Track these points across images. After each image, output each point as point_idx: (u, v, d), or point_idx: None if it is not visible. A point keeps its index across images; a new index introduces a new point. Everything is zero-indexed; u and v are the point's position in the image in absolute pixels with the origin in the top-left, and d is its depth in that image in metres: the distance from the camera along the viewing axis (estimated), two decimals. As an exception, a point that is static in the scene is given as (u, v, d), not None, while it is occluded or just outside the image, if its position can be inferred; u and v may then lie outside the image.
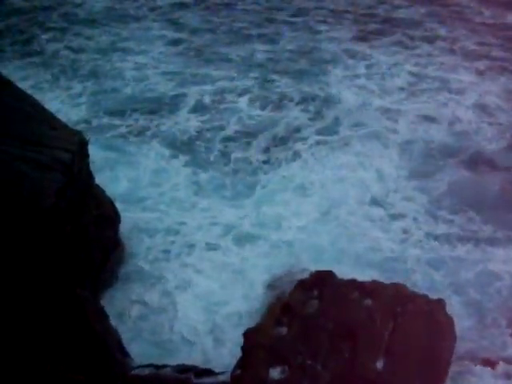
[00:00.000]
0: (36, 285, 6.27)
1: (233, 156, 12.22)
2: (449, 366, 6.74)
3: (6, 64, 15.45)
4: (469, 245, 9.72)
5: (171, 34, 18.42)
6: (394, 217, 10.39)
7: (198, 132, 13.12)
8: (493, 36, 18.08)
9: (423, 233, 10.03)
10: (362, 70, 15.87)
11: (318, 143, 12.58)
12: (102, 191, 8.69)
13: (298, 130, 13.08)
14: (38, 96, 11.53)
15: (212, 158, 12.20)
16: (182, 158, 12.12)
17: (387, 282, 7.49)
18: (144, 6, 20.67)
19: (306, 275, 7.57)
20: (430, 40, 17.84)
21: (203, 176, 11.59)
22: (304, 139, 12.70)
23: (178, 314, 8.56)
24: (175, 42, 17.80)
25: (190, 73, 15.84)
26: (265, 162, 12.02)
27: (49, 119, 7.93)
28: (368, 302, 6.98)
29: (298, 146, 12.45)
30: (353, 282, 7.34)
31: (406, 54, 16.74)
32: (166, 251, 9.62)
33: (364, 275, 7.89)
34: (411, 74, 15.57)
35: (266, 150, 12.45)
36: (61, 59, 16.44)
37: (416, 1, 21.06)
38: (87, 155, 7.85)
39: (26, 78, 14.78)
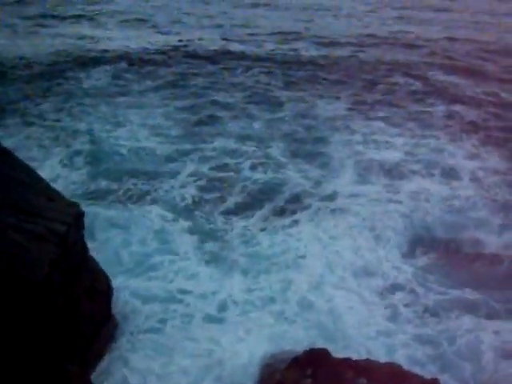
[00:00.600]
0: (24, 358, 6.17)
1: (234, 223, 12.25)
2: None
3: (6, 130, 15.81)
4: (462, 318, 9.59)
5: (172, 102, 18.98)
6: (387, 289, 10.32)
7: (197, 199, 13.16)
8: (486, 111, 18.61)
9: (415, 306, 9.93)
10: (359, 139, 16.25)
11: (316, 211, 12.69)
12: (96, 263, 8.66)
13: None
14: (36, 162, 11.73)
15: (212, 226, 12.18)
16: (185, 223, 12.08)
17: (381, 359, 7.40)
18: (146, 78, 21.30)
19: (299, 353, 7.47)
20: (425, 114, 18.32)
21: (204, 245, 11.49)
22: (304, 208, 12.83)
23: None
24: (175, 110, 18.28)
25: (189, 139, 16.13)
26: (262, 230, 11.98)
27: (45, 190, 7.99)
28: (363, 381, 6.86)
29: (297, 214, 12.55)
30: (347, 360, 7.24)
31: (403, 128, 17.14)
32: (163, 320, 9.50)
33: (356, 352, 7.79)
34: (408, 145, 15.88)
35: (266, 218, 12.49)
36: (61, 125, 16.70)
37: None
38: (83, 227, 7.86)
39: (23, 144, 15.04)
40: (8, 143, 9.35)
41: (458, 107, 19.02)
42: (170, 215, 12.29)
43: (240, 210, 12.76)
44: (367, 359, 7.26)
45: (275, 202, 13.03)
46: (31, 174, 8.27)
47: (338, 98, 19.69)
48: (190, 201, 13.00)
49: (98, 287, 8.38)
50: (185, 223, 12.03)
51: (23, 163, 8.47)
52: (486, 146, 15.97)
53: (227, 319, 9.49)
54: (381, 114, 18.20)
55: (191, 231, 11.81)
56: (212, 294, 10.04)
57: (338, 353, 7.52)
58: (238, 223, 12.18)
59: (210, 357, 8.65)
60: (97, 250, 9.63)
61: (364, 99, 19.67)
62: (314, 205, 12.90)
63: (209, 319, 9.47)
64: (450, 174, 14.36)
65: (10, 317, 6.09)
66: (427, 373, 7.42)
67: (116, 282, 9.52)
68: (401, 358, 8.11)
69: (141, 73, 22.05)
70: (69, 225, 7.20)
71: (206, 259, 10.98)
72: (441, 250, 11.46)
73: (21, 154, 9.32)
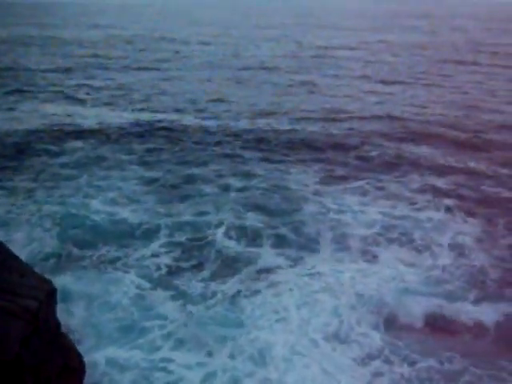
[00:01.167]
0: None
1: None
2: None
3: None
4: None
5: (146, 173, 19.37)
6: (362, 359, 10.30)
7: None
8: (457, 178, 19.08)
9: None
10: (333, 208, 16.55)
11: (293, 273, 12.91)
12: (69, 340, 8.48)
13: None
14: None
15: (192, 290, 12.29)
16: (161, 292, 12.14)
17: None
18: (121, 152, 21.55)
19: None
20: (400, 181, 18.73)
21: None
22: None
23: None
24: (149, 181, 18.61)
25: (163, 207, 16.35)
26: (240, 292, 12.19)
27: (17, 266, 7.89)
28: None
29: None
30: None
31: (375, 195, 17.52)
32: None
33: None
34: (383, 214, 16.14)
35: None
36: (34, 198, 16.76)
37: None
38: (55, 303, 7.75)
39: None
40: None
41: (432, 173, 19.62)
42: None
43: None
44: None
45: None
46: (3, 250, 8.18)
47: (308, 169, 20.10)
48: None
49: (70, 365, 8.19)
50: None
51: (-4, 239, 8.41)
52: (460, 212, 16.30)
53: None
54: (354, 185, 18.53)
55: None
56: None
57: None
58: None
59: None
60: (75, 323, 9.59)
61: (335, 170, 20.06)
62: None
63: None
64: (427, 241, 14.56)
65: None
66: None
67: (103, 353, 9.62)
68: None
69: (115, 147, 22.30)
70: (40, 301, 7.09)
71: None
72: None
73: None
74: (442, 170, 20.09)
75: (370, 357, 10.29)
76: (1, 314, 6.65)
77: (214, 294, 12.13)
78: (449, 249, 14.16)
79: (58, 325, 7.92)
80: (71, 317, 10.88)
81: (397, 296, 12.12)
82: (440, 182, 18.84)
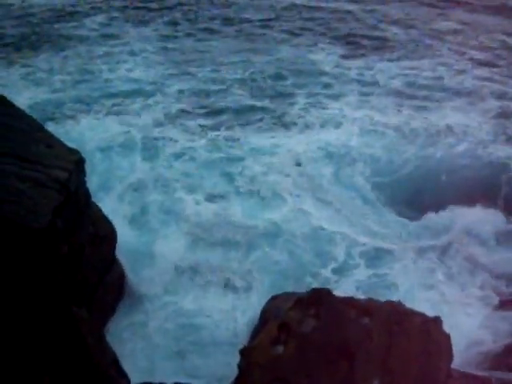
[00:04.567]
0: (31, 303, 6.26)
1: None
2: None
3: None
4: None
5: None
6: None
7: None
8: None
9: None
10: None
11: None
12: (99, 209, 8.70)
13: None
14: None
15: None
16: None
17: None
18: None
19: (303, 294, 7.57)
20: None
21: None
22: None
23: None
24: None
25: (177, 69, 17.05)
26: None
27: (45, 137, 7.93)
28: (365, 320, 6.96)
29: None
30: (350, 299, 7.33)
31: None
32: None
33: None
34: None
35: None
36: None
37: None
38: (84, 173, 7.85)
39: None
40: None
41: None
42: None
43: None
44: (369, 299, 7.35)
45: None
46: (29, 121, 8.19)
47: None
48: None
49: (101, 233, 8.44)
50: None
51: (20, 110, 8.38)
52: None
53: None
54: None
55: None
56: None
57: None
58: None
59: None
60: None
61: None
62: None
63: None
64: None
65: (15, 265, 6.14)
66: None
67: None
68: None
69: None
70: (70, 171, 7.18)
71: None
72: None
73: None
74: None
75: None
76: (31, 185, 6.75)
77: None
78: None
79: (88, 194, 8.07)
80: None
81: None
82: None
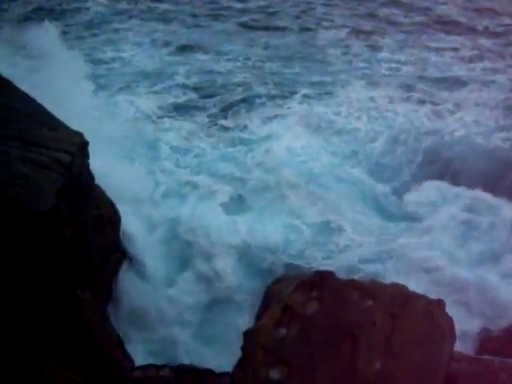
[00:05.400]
0: (35, 286, 6.29)
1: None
2: (447, 367, 6.72)
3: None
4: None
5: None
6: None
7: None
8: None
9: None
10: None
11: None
12: (103, 192, 8.69)
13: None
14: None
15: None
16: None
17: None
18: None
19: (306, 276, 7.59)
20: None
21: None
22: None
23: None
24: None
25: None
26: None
27: (48, 120, 7.92)
28: (368, 302, 6.98)
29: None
30: (352, 281, 7.36)
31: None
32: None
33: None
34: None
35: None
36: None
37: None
38: (87, 156, 7.84)
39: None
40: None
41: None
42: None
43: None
44: (372, 280, 7.37)
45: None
46: (33, 104, 8.17)
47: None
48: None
49: (104, 216, 8.44)
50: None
51: (24, 94, 8.36)
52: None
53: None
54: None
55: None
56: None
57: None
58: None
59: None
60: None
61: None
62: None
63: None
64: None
65: (19, 248, 6.16)
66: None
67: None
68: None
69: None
70: (73, 154, 7.17)
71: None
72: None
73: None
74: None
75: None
76: (35, 168, 6.74)
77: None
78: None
79: (91, 177, 8.07)
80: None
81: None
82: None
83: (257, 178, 11.15)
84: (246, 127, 13.16)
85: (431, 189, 10.95)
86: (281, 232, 9.84)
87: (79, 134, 7.77)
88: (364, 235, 9.88)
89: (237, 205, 10.65)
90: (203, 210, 10.21)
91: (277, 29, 19.26)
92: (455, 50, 17.42)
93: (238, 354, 6.83)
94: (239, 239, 9.64)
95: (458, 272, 9.00)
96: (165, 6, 21.31)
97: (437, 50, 17.46)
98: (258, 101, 14.36)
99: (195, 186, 10.92)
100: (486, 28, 19.20)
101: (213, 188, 10.76)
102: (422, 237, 9.74)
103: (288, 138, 12.24)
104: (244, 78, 15.65)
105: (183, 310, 8.90)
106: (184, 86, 15.14)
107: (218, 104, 14.36)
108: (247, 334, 6.81)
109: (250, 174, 11.30)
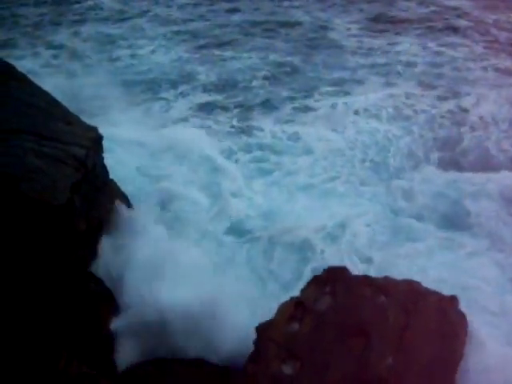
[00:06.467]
0: (49, 279, 6.34)
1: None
2: (459, 363, 6.67)
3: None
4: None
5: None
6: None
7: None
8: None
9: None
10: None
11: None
12: (117, 186, 8.74)
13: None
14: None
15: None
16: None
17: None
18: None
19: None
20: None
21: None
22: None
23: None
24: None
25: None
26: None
27: (64, 114, 7.98)
28: (381, 298, 6.94)
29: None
30: (366, 277, 7.33)
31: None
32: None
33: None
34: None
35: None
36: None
37: None
38: (102, 150, 7.89)
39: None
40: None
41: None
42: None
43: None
44: (386, 277, 7.32)
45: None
46: (48, 99, 8.24)
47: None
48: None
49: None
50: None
51: (40, 88, 8.44)
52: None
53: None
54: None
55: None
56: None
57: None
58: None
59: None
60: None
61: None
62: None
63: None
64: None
65: (34, 242, 6.22)
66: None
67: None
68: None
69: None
70: (87, 148, 7.22)
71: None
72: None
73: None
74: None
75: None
76: (50, 162, 6.80)
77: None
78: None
79: (105, 171, 8.11)
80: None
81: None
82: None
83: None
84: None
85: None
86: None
87: (94, 129, 7.83)
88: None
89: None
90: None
91: (294, 24, 19.11)
92: (468, 46, 17.17)
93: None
94: None
95: None
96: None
97: (452, 45, 17.24)
98: (278, 100, 14.27)
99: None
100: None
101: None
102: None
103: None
104: (264, 74, 15.56)
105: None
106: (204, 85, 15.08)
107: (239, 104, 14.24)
108: (260, 329, 6.80)
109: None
